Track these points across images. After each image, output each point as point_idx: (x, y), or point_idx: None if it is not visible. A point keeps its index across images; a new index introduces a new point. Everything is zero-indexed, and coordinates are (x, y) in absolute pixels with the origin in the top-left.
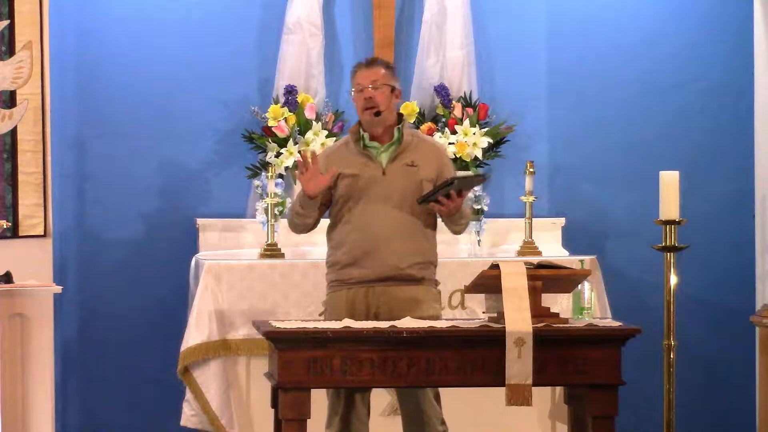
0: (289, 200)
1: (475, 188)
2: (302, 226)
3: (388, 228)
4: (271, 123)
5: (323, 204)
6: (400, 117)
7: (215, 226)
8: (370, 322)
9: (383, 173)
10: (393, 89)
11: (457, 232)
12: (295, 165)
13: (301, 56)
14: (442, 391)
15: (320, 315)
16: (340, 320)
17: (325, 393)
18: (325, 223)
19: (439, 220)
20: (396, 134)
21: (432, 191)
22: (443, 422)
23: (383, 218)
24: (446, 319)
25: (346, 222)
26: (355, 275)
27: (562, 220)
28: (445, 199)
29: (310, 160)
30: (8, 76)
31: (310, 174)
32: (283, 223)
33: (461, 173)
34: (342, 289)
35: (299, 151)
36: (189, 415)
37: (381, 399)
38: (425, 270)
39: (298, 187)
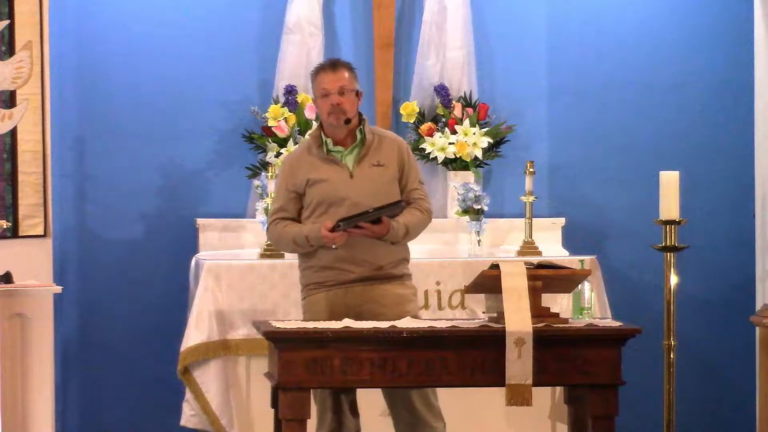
0: None
1: (474, 188)
2: (291, 252)
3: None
4: (271, 123)
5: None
6: (360, 116)
7: (215, 226)
8: (370, 322)
9: (351, 176)
10: (357, 93)
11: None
12: None
13: (301, 56)
14: (442, 390)
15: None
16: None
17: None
18: None
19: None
20: (359, 135)
21: (333, 228)
22: (439, 416)
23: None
24: (446, 319)
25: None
26: (333, 277)
27: (562, 220)
28: (358, 230)
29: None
30: (8, 76)
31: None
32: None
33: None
34: (320, 291)
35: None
36: (189, 415)
37: (381, 399)
38: (400, 266)
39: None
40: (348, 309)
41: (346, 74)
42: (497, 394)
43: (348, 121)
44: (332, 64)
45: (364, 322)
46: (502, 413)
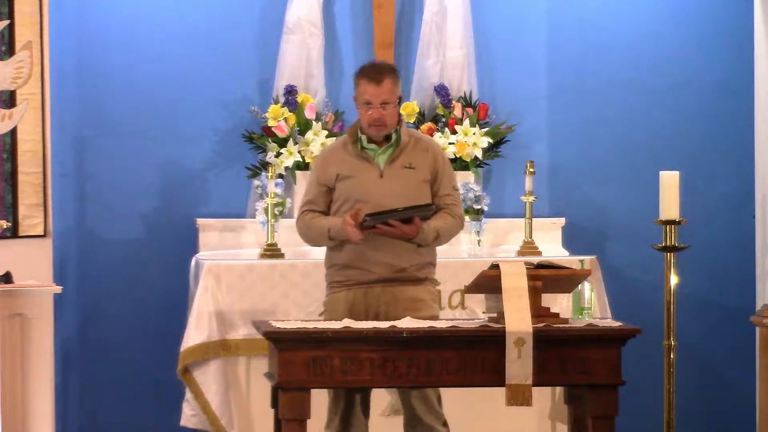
0: (289, 200)
1: (474, 188)
2: (320, 246)
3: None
4: (271, 123)
5: (328, 207)
6: (399, 117)
7: (215, 226)
8: (370, 322)
9: (381, 176)
10: (399, 99)
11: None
12: (296, 166)
13: (301, 56)
14: (443, 390)
15: (320, 315)
16: (340, 321)
17: (325, 393)
18: None
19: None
20: (394, 136)
21: (361, 224)
22: (445, 423)
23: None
24: (446, 319)
25: None
26: (354, 276)
27: (562, 220)
28: (387, 227)
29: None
30: (8, 76)
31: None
32: (283, 223)
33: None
34: (341, 290)
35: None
36: (189, 415)
37: (381, 399)
38: (423, 270)
39: (299, 188)
40: (367, 309)
41: (390, 85)
42: (497, 394)
43: (388, 137)
44: (378, 75)
45: (364, 322)
46: (502, 413)
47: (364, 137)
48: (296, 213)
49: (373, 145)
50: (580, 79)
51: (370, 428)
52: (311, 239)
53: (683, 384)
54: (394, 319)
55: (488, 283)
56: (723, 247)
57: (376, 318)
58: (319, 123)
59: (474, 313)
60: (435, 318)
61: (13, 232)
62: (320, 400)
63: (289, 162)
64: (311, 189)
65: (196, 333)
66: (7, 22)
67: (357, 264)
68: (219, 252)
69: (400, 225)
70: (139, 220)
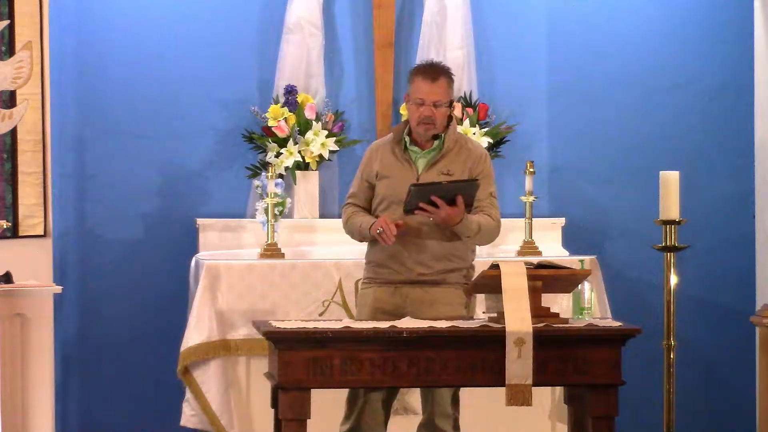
0: (289, 200)
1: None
2: (358, 240)
3: (415, 234)
4: (271, 123)
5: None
6: (449, 120)
7: (215, 226)
8: (370, 322)
9: (417, 179)
10: (451, 102)
11: (472, 243)
12: (296, 166)
13: (301, 56)
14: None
15: (320, 315)
16: (365, 316)
17: (324, 393)
18: (328, 222)
19: None
20: (437, 141)
21: (406, 201)
22: (457, 426)
23: (414, 223)
24: (473, 319)
25: None
26: (383, 275)
27: (562, 220)
28: (432, 207)
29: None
30: (8, 76)
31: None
32: (283, 223)
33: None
34: (371, 286)
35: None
36: (189, 415)
37: None
38: (452, 273)
39: (299, 188)
40: (395, 308)
41: (445, 86)
42: (497, 394)
43: (437, 136)
44: (434, 73)
45: (365, 322)
46: (502, 413)
47: (408, 139)
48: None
49: (416, 148)
50: (580, 79)
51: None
52: (349, 233)
53: (683, 384)
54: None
55: (488, 283)
56: (723, 247)
57: (402, 317)
58: (319, 123)
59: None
60: (463, 318)
61: (13, 232)
62: (320, 400)
63: (289, 162)
64: (355, 182)
65: (196, 333)
66: (7, 22)
67: (389, 263)
68: (219, 252)
69: (444, 206)
70: (139, 220)
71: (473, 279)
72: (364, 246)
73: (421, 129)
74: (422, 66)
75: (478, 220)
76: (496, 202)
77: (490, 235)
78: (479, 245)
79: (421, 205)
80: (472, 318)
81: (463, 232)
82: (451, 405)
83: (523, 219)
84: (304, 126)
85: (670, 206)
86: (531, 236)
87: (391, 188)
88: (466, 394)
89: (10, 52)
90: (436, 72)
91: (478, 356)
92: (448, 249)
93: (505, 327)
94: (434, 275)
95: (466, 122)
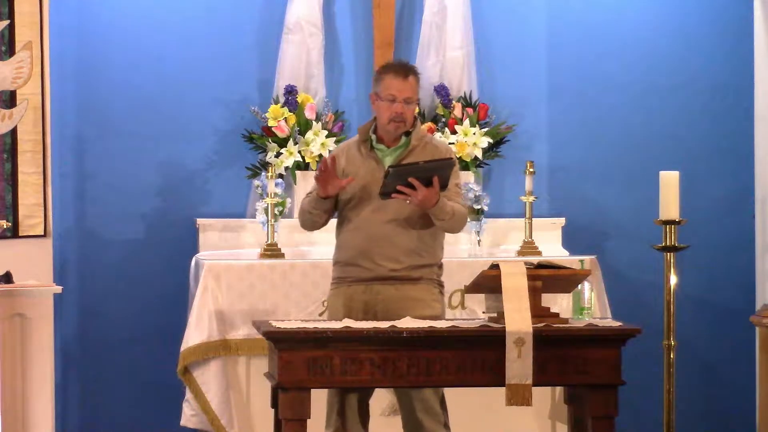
0: (289, 200)
1: (474, 188)
2: (311, 223)
3: (385, 230)
4: (271, 123)
5: (334, 206)
6: (414, 120)
7: (215, 226)
8: (370, 322)
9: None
10: (417, 101)
11: (443, 228)
12: (296, 166)
13: (301, 56)
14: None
15: (320, 315)
16: (338, 317)
17: (324, 393)
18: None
19: None
20: (404, 138)
21: (383, 183)
22: (447, 426)
23: (382, 219)
24: (446, 319)
25: (348, 222)
26: (353, 273)
27: (562, 220)
28: (410, 189)
29: (329, 163)
30: (8, 76)
31: (328, 176)
32: (283, 223)
33: (400, 163)
34: (342, 286)
35: (320, 155)
36: (189, 415)
37: (381, 399)
38: (423, 270)
39: (299, 188)
40: (366, 306)
41: (414, 84)
42: (497, 394)
43: (408, 133)
44: (404, 70)
45: (364, 322)
46: (502, 413)
47: (374, 137)
48: (296, 212)
49: (382, 146)
50: (580, 80)
51: (370, 428)
52: (302, 214)
53: (683, 384)
54: (392, 318)
55: (488, 283)
56: (723, 247)
57: (375, 316)
58: (319, 123)
59: (474, 313)
60: (436, 317)
61: (13, 232)
62: (320, 400)
63: (289, 162)
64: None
65: (196, 333)
66: (7, 22)
67: (358, 261)
68: (219, 252)
69: (422, 187)
70: (139, 220)
71: (474, 278)
72: None
73: (391, 126)
74: (391, 64)
75: (451, 205)
76: (461, 193)
77: (461, 220)
78: (450, 232)
79: (399, 187)
80: (444, 317)
81: (438, 215)
82: (440, 406)
83: (523, 219)
84: (304, 126)
85: (670, 206)
86: (531, 236)
87: (359, 186)
88: (466, 394)
89: (10, 52)
90: (407, 70)
91: (478, 356)
92: (418, 244)
93: (505, 327)
94: (405, 271)
95: (466, 122)
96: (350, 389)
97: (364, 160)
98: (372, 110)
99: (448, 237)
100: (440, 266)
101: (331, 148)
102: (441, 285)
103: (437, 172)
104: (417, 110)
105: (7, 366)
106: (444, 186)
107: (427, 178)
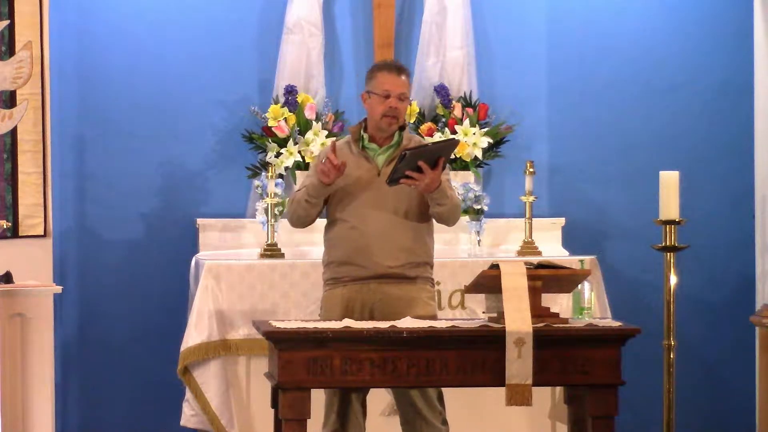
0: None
1: (474, 188)
2: (305, 217)
3: (382, 228)
4: (271, 123)
5: (324, 201)
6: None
7: (215, 226)
8: (370, 322)
9: (378, 174)
10: (410, 101)
11: (441, 216)
12: (296, 166)
13: (301, 56)
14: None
15: (320, 315)
16: (335, 317)
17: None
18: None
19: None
20: (396, 137)
21: (393, 169)
22: (445, 422)
23: (377, 218)
24: (446, 319)
25: (341, 221)
26: (349, 273)
27: (562, 220)
28: (417, 173)
29: (331, 150)
30: (8, 76)
31: (332, 163)
32: (284, 223)
33: (414, 146)
34: (337, 286)
35: (321, 144)
36: (189, 415)
37: (381, 399)
38: (417, 269)
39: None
40: (363, 306)
41: (407, 81)
42: (497, 394)
43: (402, 128)
44: (397, 68)
45: (364, 322)
46: (502, 413)
47: (366, 136)
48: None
49: (373, 145)
50: (580, 79)
51: (370, 428)
52: (295, 207)
53: (683, 384)
54: (389, 317)
55: (488, 283)
56: (723, 247)
57: (371, 315)
58: (319, 123)
59: (474, 313)
60: (432, 316)
61: (13, 232)
62: (320, 399)
63: (289, 162)
64: (307, 178)
65: (196, 333)
66: (7, 22)
67: (352, 261)
68: (219, 252)
69: (429, 170)
70: (139, 220)
71: (474, 278)
72: None
73: (384, 123)
74: (385, 62)
75: (450, 194)
76: (453, 187)
77: (457, 210)
78: (446, 222)
79: (407, 172)
80: (437, 316)
81: (440, 199)
82: (438, 402)
83: (523, 219)
84: (304, 126)
85: (670, 206)
86: (531, 236)
87: (352, 184)
88: (465, 394)
89: (10, 52)
90: (400, 68)
91: (478, 356)
92: (413, 241)
93: (505, 327)
94: (402, 269)
95: (466, 122)
96: (349, 389)
97: (357, 159)
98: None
99: (449, 237)
100: (432, 266)
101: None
102: (434, 283)
103: (443, 153)
104: (410, 110)
105: (7, 366)
106: (443, 168)
107: (432, 161)
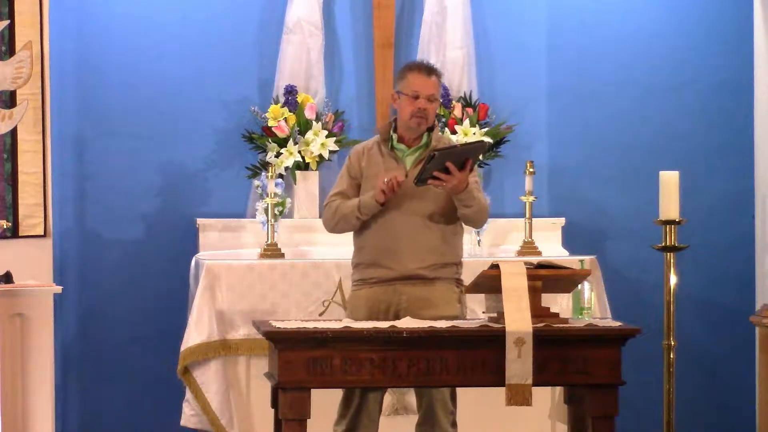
0: (289, 200)
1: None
2: (349, 229)
3: (409, 229)
4: (271, 123)
5: None
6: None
7: (215, 226)
8: (370, 322)
9: (406, 175)
10: (440, 102)
11: (468, 218)
12: (296, 166)
13: (301, 56)
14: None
15: (320, 315)
16: (360, 318)
17: (325, 393)
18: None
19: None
20: (424, 138)
21: (421, 170)
22: (454, 424)
23: (404, 220)
24: (468, 319)
25: (369, 223)
26: (375, 274)
27: (562, 220)
28: (445, 174)
29: (395, 184)
30: (8, 76)
31: (392, 185)
32: (283, 223)
33: (442, 147)
34: (363, 288)
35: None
36: (189, 415)
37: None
38: (444, 270)
39: (298, 188)
40: (389, 306)
41: (437, 82)
42: (497, 394)
43: (432, 129)
44: (428, 69)
45: (364, 322)
46: (502, 413)
47: (395, 136)
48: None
49: (402, 146)
50: (580, 80)
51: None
52: (340, 219)
53: (683, 384)
54: (415, 318)
55: (488, 283)
56: (723, 247)
57: (397, 316)
58: (319, 123)
59: (474, 313)
60: (456, 317)
61: (13, 232)
62: (320, 400)
63: (289, 162)
64: (342, 181)
65: (196, 333)
66: (7, 22)
67: (382, 261)
68: (219, 252)
69: (456, 171)
70: (139, 220)
71: (474, 278)
72: None
73: (413, 123)
74: (415, 63)
75: (476, 195)
76: (480, 188)
77: (484, 211)
78: (473, 224)
79: (436, 173)
80: (464, 316)
81: (467, 201)
82: (451, 401)
83: (523, 219)
84: (304, 126)
85: (670, 206)
86: (531, 236)
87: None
88: (466, 394)
89: (10, 52)
90: (430, 68)
91: (478, 356)
92: (441, 242)
93: (505, 327)
94: (428, 270)
95: (466, 122)
96: (370, 389)
97: (385, 160)
98: (392, 109)
99: None
100: (461, 264)
101: (331, 148)
102: (462, 284)
103: (471, 154)
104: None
105: (7, 366)
106: (471, 170)
107: (459, 162)
